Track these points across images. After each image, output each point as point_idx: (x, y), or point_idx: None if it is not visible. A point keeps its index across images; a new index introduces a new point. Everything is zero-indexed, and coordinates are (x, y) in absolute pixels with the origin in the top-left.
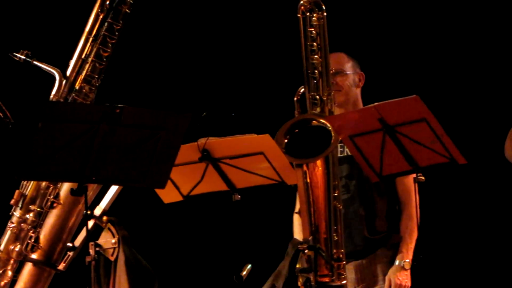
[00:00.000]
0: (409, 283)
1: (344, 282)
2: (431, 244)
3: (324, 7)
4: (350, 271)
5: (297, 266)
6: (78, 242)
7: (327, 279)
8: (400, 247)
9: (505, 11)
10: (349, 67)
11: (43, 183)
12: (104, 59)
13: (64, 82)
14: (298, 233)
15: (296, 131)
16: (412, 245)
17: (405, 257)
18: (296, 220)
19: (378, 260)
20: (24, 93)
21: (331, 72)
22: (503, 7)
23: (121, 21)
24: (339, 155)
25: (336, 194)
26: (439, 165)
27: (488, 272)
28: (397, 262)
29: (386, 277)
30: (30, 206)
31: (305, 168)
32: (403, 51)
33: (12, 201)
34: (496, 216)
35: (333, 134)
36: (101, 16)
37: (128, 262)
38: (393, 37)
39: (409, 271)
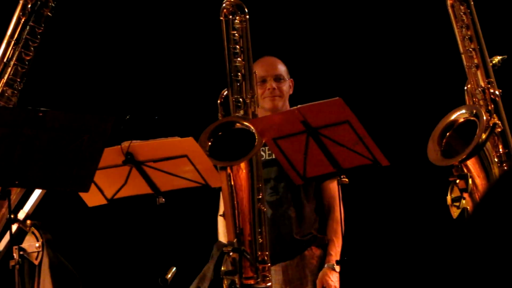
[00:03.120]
0: (338, 285)
1: (269, 284)
2: (356, 245)
3: (246, 10)
4: (278, 273)
5: (222, 268)
6: (1, 246)
7: (252, 281)
8: (328, 249)
9: (420, 14)
10: (285, 72)
11: None
12: (26, 63)
13: None
14: (222, 235)
15: (219, 133)
16: (339, 248)
17: (334, 259)
18: (221, 222)
19: (306, 261)
20: None
21: (271, 77)
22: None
23: (43, 25)
24: (268, 158)
25: (260, 197)
26: (362, 166)
27: (412, 272)
28: (326, 265)
29: (317, 280)
30: None
31: (229, 170)
32: (328, 53)
33: None
34: (419, 217)
35: (256, 137)
36: (23, 20)
37: (52, 266)
38: (317, 39)
39: (338, 272)
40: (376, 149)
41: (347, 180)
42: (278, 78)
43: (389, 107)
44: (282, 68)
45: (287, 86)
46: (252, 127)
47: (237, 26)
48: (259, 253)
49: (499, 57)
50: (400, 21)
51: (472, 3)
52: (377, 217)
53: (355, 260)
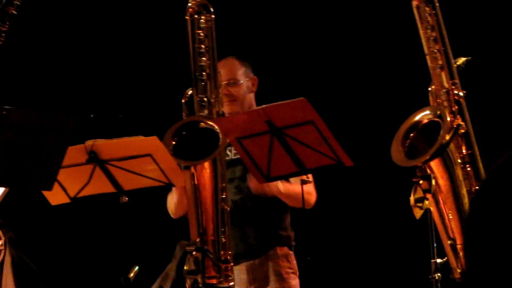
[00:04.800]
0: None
1: (232, 283)
2: (317, 245)
3: (212, 10)
4: (242, 272)
5: (185, 268)
6: None
7: (214, 281)
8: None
9: (385, 15)
10: (241, 74)
11: None
12: None
13: None
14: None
15: (184, 133)
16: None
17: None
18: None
19: (270, 260)
20: None
21: (225, 82)
22: (383, 12)
23: (7, 23)
24: (233, 157)
25: (224, 196)
26: (326, 167)
27: (373, 271)
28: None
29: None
30: None
31: (193, 170)
32: (293, 52)
33: None
34: (383, 218)
35: (221, 136)
36: None
37: (15, 264)
38: (283, 38)
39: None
40: (340, 149)
41: (310, 180)
42: (232, 83)
43: (353, 107)
44: (238, 71)
45: (243, 88)
46: (216, 127)
47: (203, 25)
48: (222, 252)
49: (463, 59)
50: (365, 21)
51: (437, 4)
52: (340, 218)
53: (318, 261)
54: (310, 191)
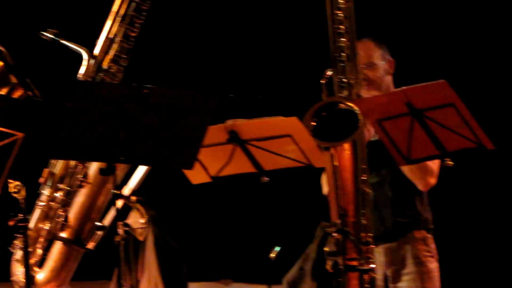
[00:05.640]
0: None
1: (373, 266)
2: (460, 229)
3: None
4: (380, 254)
5: (325, 249)
6: (107, 221)
7: (355, 263)
8: None
9: None
10: (378, 57)
11: (72, 162)
12: (132, 39)
13: (92, 61)
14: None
15: (323, 114)
16: None
17: None
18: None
19: (408, 244)
20: (52, 72)
21: (361, 66)
22: None
23: (148, 1)
24: (371, 139)
25: (364, 178)
26: (467, 150)
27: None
28: None
29: None
30: (59, 185)
31: (332, 151)
32: (433, 34)
33: (41, 180)
34: None
35: (360, 118)
36: None
37: (157, 242)
38: (422, 20)
39: None
40: (481, 132)
41: (451, 163)
42: (368, 66)
43: (495, 90)
44: (374, 53)
45: (380, 71)
46: (356, 108)
47: (342, 6)
48: (363, 234)
49: None
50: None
51: None
52: (483, 201)
53: (460, 245)
54: (431, 170)
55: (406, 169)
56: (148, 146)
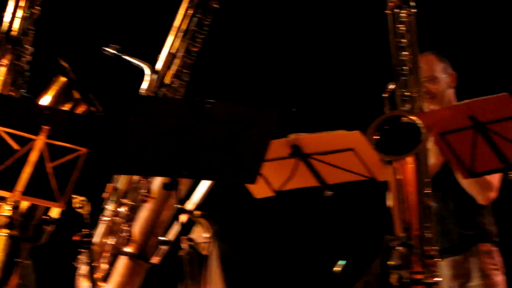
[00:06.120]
0: None
1: (438, 279)
2: None
3: (412, 4)
4: (445, 268)
5: (390, 262)
6: (171, 236)
7: (420, 276)
8: None
9: None
10: (439, 70)
11: (135, 177)
12: (193, 54)
13: (154, 76)
14: None
15: (386, 127)
16: None
17: None
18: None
19: (473, 257)
20: (114, 88)
21: (423, 79)
22: None
23: (210, 16)
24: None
25: (427, 191)
26: None
27: None
28: None
29: None
30: (123, 200)
31: (395, 164)
32: (494, 47)
33: (105, 195)
34: None
35: (423, 131)
36: (190, 12)
37: (222, 257)
38: (484, 34)
39: None
40: None
41: None
42: (430, 79)
43: None
44: (436, 67)
45: (442, 85)
46: (419, 121)
47: (404, 19)
48: (427, 247)
49: None
50: None
51: None
52: None
53: None
54: (489, 184)
55: (465, 184)
56: (211, 161)
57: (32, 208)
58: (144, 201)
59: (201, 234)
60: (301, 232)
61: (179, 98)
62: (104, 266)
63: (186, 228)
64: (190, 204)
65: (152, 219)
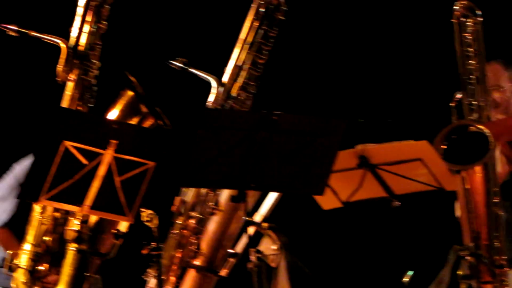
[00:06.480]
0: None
1: None
2: None
3: (479, 12)
4: None
5: (459, 272)
6: (239, 248)
7: (489, 286)
8: None
9: None
10: (505, 79)
11: (203, 190)
12: (260, 66)
13: (221, 89)
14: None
15: (454, 137)
16: None
17: None
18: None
19: None
20: (181, 101)
21: (489, 89)
22: None
23: (275, 28)
24: None
25: (496, 200)
26: None
27: None
28: None
29: None
30: (191, 213)
31: (464, 174)
32: None
33: (173, 208)
34: None
35: (491, 140)
36: (255, 24)
37: (290, 269)
38: None
39: None
40: None
41: None
42: (495, 88)
43: None
44: (501, 76)
45: (507, 94)
46: (486, 130)
47: (470, 28)
48: (497, 257)
49: None
50: None
51: None
52: None
53: None
54: None
55: None
56: (279, 173)
57: (101, 222)
58: (212, 214)
59: (269, 246)
60: (370, 243)
61: (246, 111)
62: (172, 279)
63: (254, 241)
64: (258, 216)
65: (220, 232)
